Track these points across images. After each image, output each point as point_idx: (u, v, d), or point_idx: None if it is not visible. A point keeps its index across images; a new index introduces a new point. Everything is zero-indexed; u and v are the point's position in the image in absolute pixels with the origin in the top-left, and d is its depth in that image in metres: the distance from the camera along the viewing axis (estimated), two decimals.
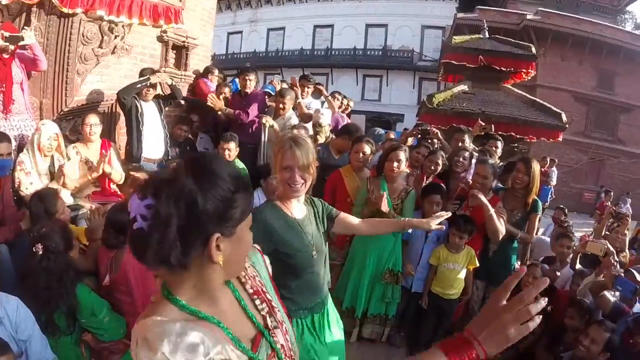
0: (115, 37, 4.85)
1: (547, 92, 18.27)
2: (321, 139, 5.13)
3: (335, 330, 2.27)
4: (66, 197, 3.59)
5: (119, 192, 4.14)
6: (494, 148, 5.07)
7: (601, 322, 3.14)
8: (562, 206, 8.28)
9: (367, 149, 3.99)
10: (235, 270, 1.10)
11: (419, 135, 5.35)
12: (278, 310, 1.23)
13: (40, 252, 2.30)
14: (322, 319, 2.21)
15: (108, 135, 4.86)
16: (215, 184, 0.94)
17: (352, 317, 3.80)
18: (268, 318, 1.17)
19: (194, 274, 0.99)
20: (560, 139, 10.49)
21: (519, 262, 4.33)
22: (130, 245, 0.96)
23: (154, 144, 4.78)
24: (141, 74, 4.85)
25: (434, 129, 5.41)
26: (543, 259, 4.60)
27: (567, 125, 10.59)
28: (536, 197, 3.97)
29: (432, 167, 4.19)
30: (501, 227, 3.59)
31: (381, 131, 5.90)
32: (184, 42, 5.83)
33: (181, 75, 5.92)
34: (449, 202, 4.04)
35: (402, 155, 3.67)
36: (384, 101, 26.47)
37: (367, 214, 3.53)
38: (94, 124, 4.05)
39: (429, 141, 5.19)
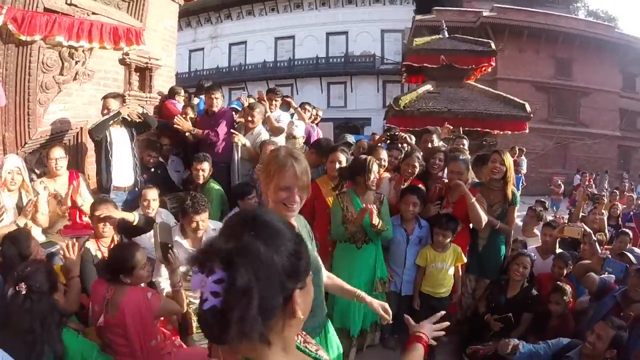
0: (76, 62, 4.69)
1: (507, 84, 18.84)
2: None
3: (334, 353, 2.13)
4: (37, 235, 3.45)
5: (91, 225, 3.86)
6: (461, 146, 5.15)
7: (607, 318, 3.05)
8: (542, 200, 8.45)
9: (342, 157, 4.02)
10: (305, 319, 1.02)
11: (388, 141, 5.37)
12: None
13: (24, 292, 2.18)
14: (322, 341, 2.05)
15: (76, 165, 4.69)
16: (283, 239, 0.90)
17: (347, 337, 3.67)
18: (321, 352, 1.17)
19: (277, 337, 0.92)
20: (527, 129, 10.76)
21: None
22: (203, 327, 0.86)
23: (124, 172, 4.62)
24: (105, 98, 4.68)
25: (402, 134, 5.47)
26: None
27: (531, 115, 10.92)
28: (514, 190, 4.05)
29: (410, 170, 4.19)
30: (483, 214, 3.74)
31: (351, 137, 5.86)
32: (146, 63, 5.69)
33: (146, 97, 5.78)
34: (429, 204, 4.09)
35: (374, 166, 3.64)
36: (350, 107, 26.66)
37: (352, 231, 3.55)
38: (59, 157, 3.91)
39: (400, 145, 5.23)
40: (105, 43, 4.72)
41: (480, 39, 12.31)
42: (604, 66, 21.87)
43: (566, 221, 5.57)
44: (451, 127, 5.73)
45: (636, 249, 4.54)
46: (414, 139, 5.63)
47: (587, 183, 12.20)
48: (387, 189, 4.28)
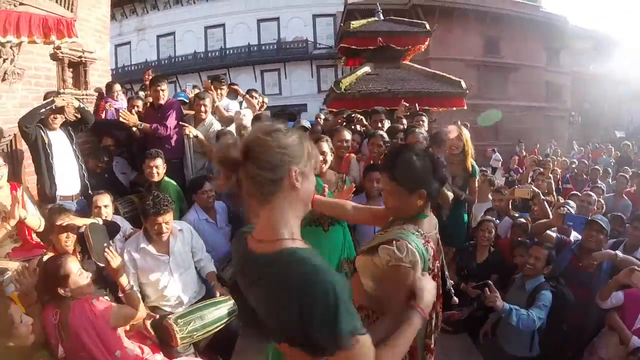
0: (4, 60, 4.20)
1: (439, 63, 19.27)
2: None
3: None
4: None
5: (42, 243, 3.52)
6: (420, 123, 5.22)
7: (539, 242, 3.69)
8: (484, 169, 8.82)
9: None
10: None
11: (345, 123, 5.34)
12: None
13: None
14: None
15: (12, 176, 4.07)
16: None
17: None
18: None
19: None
20: (464, 105, 11.13)
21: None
22: None
23: (69, 178, 4.19)
24: (45, 98, 4.27)
25: (358, 115, 5.45)
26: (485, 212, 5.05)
27: (467, 92, 11.25)
28: (474, 163, 4.22)
29: (376, 150, 4.21)
30: (450, 192, 3.84)
31: (306, 122, 5.81)
32: (80, 57, 5.20)
33: (82, 95, 5.31)
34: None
35: (326, 146, 3.56)
36: (285, 94, 26.45)
37: (318, 213, 3.45)
38: None
39: (354, 127, 5.23)
40: (35, 37, 4.19)
41: (415, 21, 12.62)
42: (530, 43, 23.16)
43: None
44: (407, 105, 5.79)
45: (570, 201, 4.93)
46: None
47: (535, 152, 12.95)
48: (356, 169, 4.28)
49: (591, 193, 5.33)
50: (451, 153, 4.17)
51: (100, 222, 3.35)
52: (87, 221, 3.25)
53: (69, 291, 2.42)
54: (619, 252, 3.49)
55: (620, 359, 3.05)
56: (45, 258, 2.96)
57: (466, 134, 4.21)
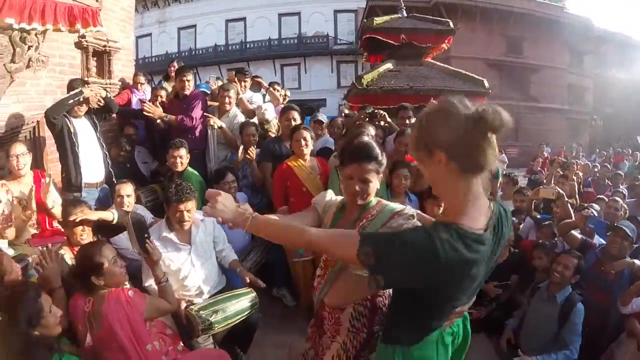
0: (29, 48, 4.17)
1: (460, 62, 19.06)
2: (273, 134, 4.93)
3: None
4: (5, 250, 2.98)
5: (62, 230, 3.52)
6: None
7: (569, 251, 3.63)
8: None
9: (307, 135, 4.01)
10: None
11: (367, 119, 5.28)
12: None
13: None
14: None
15: (35, 163, 4.17)
16: None
17: None
18: None
19: None
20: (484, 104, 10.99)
21: None
22: None
23: (93, 166, 4.23)
24: (70, 86, 4.27)
25: (381, 111, 5.39)
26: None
27: (490, 91, 11.11)
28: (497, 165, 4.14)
29: (403, 149, 4.23)
30: None
31: (322, 115, 5.75)
32: (104, 46, 5.26)
33: (106, 84, 5.35)
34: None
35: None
36: (304, 88, 26.36)
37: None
38: (20, 154, 3.50)
39: (377, 123, 5.17)
40: (60, 24, 4.17)
41: (438, 18, 12.46)
42: (553, 44, 22.82)
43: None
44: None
45: (595, 205, 5.12)
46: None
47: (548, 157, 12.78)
48: None
49: (618, 199, 5.25)
50: None
51: (116, 215, 3.38)
52: (102, 214, 3.28)
53: (102, 280, 2.39)
54: (637, 261, 3.52)
55: None
56: (62, 251, 2.98)
57: None
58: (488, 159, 1.31)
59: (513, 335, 3.69)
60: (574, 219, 3.96)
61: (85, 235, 3.10)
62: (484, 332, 3.93)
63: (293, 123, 4.36)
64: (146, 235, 2.69)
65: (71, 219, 3.04)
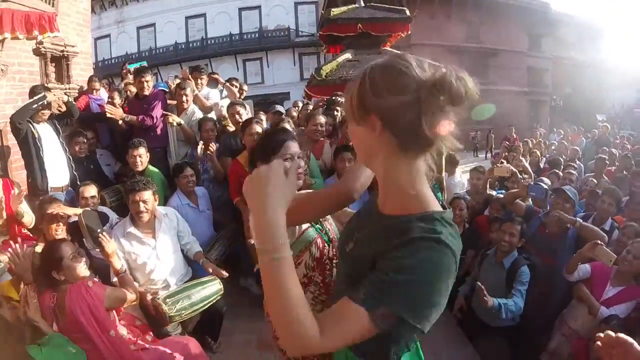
0: None
1: (421, 48, 19.56)
2: (231, 128, 5.04)
3: None
4: None
5: (31, 235, 3.55)
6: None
7: (512, 219, 3.72)
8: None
9: (259, 128, 4.05)
10: None
11: (325, 106, 5.46)
12: None
13: None
14: None
15: (1, 172, 4.31)
16: None
17: None
18: None
19: None
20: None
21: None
22: None
23: (58, 170, 4.30)
24: (32, 92, 4.28)
25: (338, 98, 5.57)
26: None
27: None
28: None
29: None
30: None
31: (280, 107, 5.88)
32: (62, 51, 5.29)
33: (65, 89, 5.40)
34: None
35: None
36: (268, 82, 26.44)
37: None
38: None
39: (335, 110, 5.34)
40: (18, 32, 4.27)
41: (395, 7, 12.68)
42: (512, 28, 23.53)
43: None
44: None
45: (544, 178, 5.29)
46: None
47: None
48: (328, 154, 4.40)
49: (572, 172, 5.57)
50: None
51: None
52: (78, 211, 3.35)
53: (62, 274, 2.50)
54: (579, 219, 3.68)
55: (589, 329, 3.14)
56: (37, 248, 3.04)
57: None
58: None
59: (465, 302, 3.91)
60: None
61: (60, 231, 3.22)
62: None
63: (238, 117, 4.50)
64: (99, 230, 2.83)
65: (50, 211, 3.18)
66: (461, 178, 6.23)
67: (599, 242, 3.15)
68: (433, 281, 0.97)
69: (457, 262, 1.03)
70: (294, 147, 1.93)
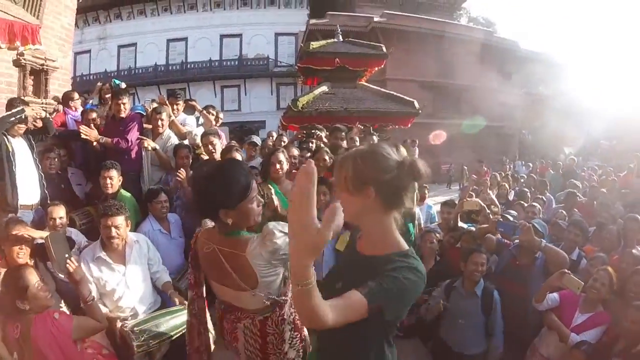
0: None
1: (396, 84, 20.13)
2: (205, 157, 5.04)
3: None
4: None
5: None
6: (371, 141, 5.49)
7: (476, 249, 3.80)
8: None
9: (238, 156, 4.16)
10: None
11: (304, 138, 5.56)
12: None
13: None
14: None
15: None
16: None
17: None
18: None
19: None
20: (409, 124, 11.90)
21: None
22: None
23: (29, 187, 4.13)
24: (10, 104, 4.18)
25: (317, 132, 5.70)
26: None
27: (420, 111, 11.82)
28: None
29: (321, 164, 4.46)
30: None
31: (257, 137, 5.94)
32: (42, 65, 5.19)
33: (42, 103, 5.26)
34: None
35: (282, 156, 4.06)
36: (244, 110, 26.72)
37: (264, 219, 3.61)
38: None
39: (310, 143, 5.44)
40: (0, 41, 4.23)
41: (372, 43, 13.08)
42: (484, 66, 24.24)
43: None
44: (361, 127, 6.13)
45: (512, 211, 5.57)
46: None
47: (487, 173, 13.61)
48: (289, 183, 4.47)
49: (535, 204, 5.76)
50: None
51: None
52: (44, 234, 3.22)
53: (27, 304, 2.40)
54: (543, 240, 3.80)
55: (561, 356, 3.27)
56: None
57: (403, 151, 4.42)
58: (409, 199, 1.51)
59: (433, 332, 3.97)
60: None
61: (22, 255, 3.10)
62: (419, 337, 4.21)
63: (211, 148, 4.56)
64: (67, 255, 2.73)
65: (14, 232, 3.05)
66: (432, 210, 6.39)
67: (566, 270, 3.27)
68: (410, 295, 1.44)
69: (424, 285, 1.47)
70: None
